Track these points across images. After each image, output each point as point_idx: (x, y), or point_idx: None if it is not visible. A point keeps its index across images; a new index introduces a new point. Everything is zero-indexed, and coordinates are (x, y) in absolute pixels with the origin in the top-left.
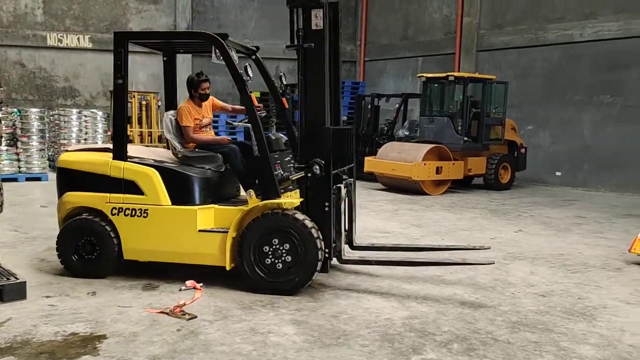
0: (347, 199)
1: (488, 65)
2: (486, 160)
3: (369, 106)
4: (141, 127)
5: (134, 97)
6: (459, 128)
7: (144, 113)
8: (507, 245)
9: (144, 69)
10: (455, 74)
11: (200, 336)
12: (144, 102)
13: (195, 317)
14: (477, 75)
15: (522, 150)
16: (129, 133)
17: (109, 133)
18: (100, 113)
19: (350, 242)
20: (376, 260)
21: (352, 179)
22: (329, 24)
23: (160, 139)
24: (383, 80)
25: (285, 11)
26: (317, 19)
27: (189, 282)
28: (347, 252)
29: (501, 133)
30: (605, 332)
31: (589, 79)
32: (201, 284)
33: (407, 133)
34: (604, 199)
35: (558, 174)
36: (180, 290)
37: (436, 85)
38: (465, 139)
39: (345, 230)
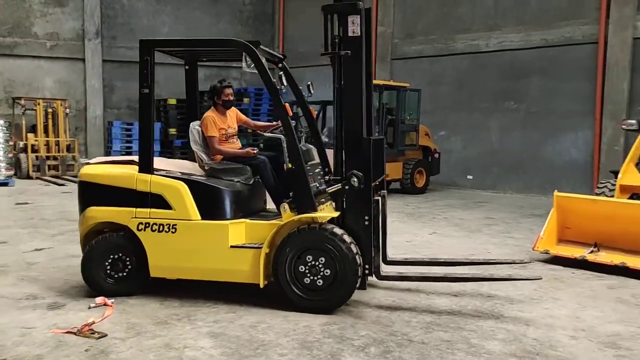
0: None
1: (402, 73)
2: (402, 166)
3: None
4: (47, 136)
5: (39, 104)
6: (376, 134)
7: (50, 121)
8: (423, 247)
9: (50, 75)
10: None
11: (111, 355)
12: (50, 110)
13: (106, 335)
14: (391, 83)
15: (436, 155)
16: (33, 142)
17: (12, 143)
18: (1, 122)
19: (384, 257)
20: (417, 276)
21: (384, 191)
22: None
23: (69, 148)
24: (303, 88)
25: (201, 17)
26: (354, 25)
27: (99, 299)
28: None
29: (416, 139)
30: (512, 327)
31: (495, 87)
32: (112, 300)
33: (327, 140)
34: (511, 200)
35: (469, 177)
36: (90, 307)
37: None
38: None
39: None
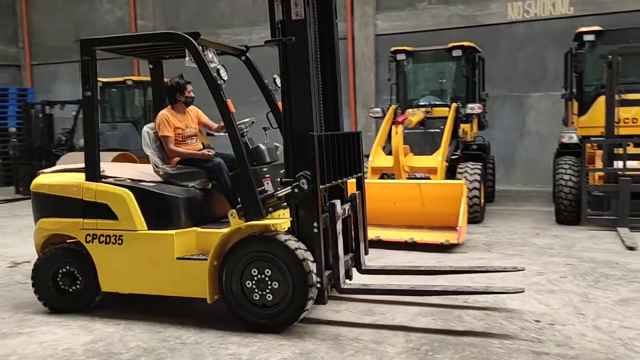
0: (351, 215)
1: (169, 68)
2: None
3: (40, 115)
4: None
5: None
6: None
7: None
8: None
9: None
10: (134, 78)
11: None
12: None
13: None
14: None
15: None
16: None
17: None
18: None
19: (358, 265)
20: (380, 289)
21: (357, 192)
22: (317, 13)
23: None
24: (57, 86)
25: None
26: (298, 7)
27: None
28: (356, 277)
29: None
30: None
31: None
32: None
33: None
34: None
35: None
36: None
37: (114, 90)
38: None
39: (351, 252)
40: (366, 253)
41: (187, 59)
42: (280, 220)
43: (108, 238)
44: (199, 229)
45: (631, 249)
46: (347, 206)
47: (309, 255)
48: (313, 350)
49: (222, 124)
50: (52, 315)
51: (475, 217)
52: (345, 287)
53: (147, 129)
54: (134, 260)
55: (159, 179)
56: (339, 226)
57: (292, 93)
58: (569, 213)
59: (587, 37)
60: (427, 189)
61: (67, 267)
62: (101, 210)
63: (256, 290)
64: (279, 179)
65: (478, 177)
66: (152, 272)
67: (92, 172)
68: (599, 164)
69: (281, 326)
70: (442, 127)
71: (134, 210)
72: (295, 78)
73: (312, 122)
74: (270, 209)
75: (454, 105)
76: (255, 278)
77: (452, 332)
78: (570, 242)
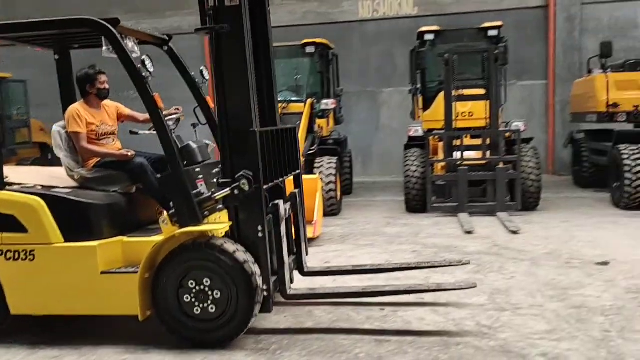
0: (291, 215)
1: (10, 62)
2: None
3: None
4: None
5: None
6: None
7: None
8: None
9: None
10: None
11: None
12: None
13: None
14: None
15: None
16: None
17: None
18: None
19: (300, 267)
20: (328, 293)
21: (296, 190)
22: (251, 1)
23: None
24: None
25: None
26: None
27: None
28: (297, 280)
29: (28, 135)
30: None
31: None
32: None
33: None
34: None
35: None
36: None
37: None
38: None
39: (293, 254)
40: (306, 254)
41: (104, 48)
42: (218, 225)
43: (17, 254)
44: (125, 239)
45: (469, 232)
46: (287, 206)
47: (249, 257)
48: None
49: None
50: None
51: (333, 210)
52: (292, 292)
53: (57, 127)
54: (50, 278)
55: (74, 184)
56: (283, 228)
57: (228, 86)
58: (417, 202)
59: (427, 37)
60: None
61: None
62: (6, 223)
63: (196, 303)
64: (214, 180)
65: (334, 172)
66: (72, 290)
67: None
68: (441, 155)
69: (224, 340)
70: (298, 122)
71: (47, 220)
72: (231, 70)
73: (251, 118)
74: (206, 212)
75: (309, 101)
76: (194, 290)
77: (302, 329)
78: (417, 229)
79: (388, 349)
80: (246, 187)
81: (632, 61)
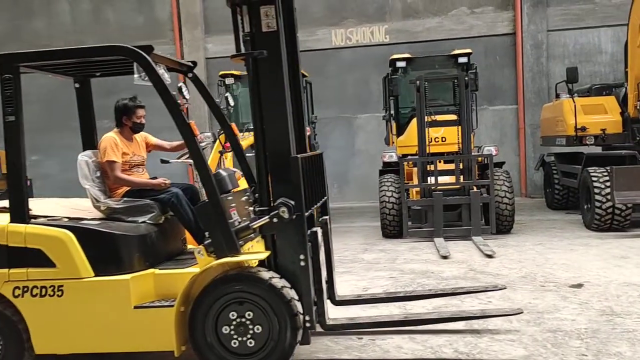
0: (323, 243)
1: None
2: None
3: None
4: None
5: None
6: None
7: None
8: None
9: None
10: None
11: None
12: None
13: None
14: None
15: (27, 182)
16: None
17: None
18: None
19: (331, 296)
20: (370, 322)
21: (326, 217)
22: (284, 25)
23: None
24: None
25: None
26: (269, 18)
27: None
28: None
29: None
30: None
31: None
32: None
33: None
34: None
35: None
36: None
37: None
38: None
39: (325, 283)
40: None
41: (136, 76)
42: (257, 254)
43: (44, 290)
44: (156, 271)
45: (445, 257)
46: (320, 232)
47: (294, 294)
48: None
49: (175, 143)
50: None
51: None
52: (331, 323)
53: (84, 157)
54: (80, 314)
55: (100, 215)
56: (322, 256)
57: (266, 112)
58: (393, 227)
59: (399, 64)
60: None
61: None
62: (33, 257)
63: (235, 336)
64: (248, 208)
65: None
66: (104, 326)
67: (19, 212)
68: (415, 180)
69: None
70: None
71: (76, 254)
72: (269, 95)
73: (289, 144)
74: (241, 242)
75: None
76: (234, 323)
77: None
78: (394, 255)
79: None
80: (285, 215)
81: (597, 86)
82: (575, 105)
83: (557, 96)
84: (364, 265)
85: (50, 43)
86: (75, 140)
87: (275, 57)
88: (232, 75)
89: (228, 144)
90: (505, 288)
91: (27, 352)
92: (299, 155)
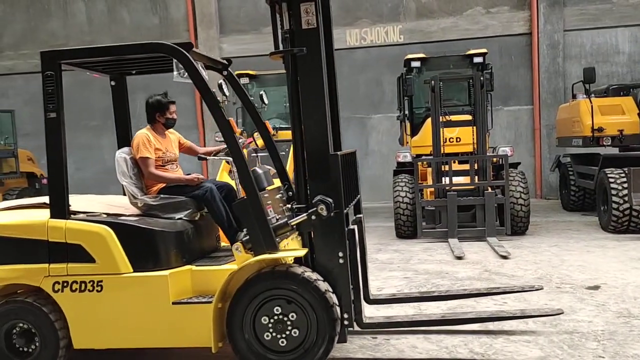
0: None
1: None
2: (3, 197)
3: None
4: None
5: None
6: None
7: None
8: None
9: None
10: None
11: None
12: None
13: None
14: None
15: (44, 181)
16: None
17: None
18: None
19: (366, 295)
20: (409, 321)
21: (360, 215)
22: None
23: None
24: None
25: None
26: (309, 15)
27: None
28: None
29: (16, 165)
30: None
31: (101, 105)
32: None
33: None
34: None
35: None
36: None
37: None
38: None
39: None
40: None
41: (175, 73)
42: (295, 252)
43: (83, 285)
44: (193, 267)
45: (459, 258)
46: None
47: (335, 299)
48: None
49: (209, 148)
50: None
51: None
52: (368, 321)
53: (122, 154)
54: (119, 309)
55: (136, 211)
56: (358, 254)
57: (305, 109)
58: (407, 228)
59: (413, 64)
60: None
61: (22, 325)
62: (73, 253)
63: (273, 333)
64: (283, 205)
65: None
66: (142, 322)
67: (60, 208)
68: (430, 180)
69: None
70: (287, 149)
71: (115, 250)
72: (308, 93)
73: (327, 141)
74: (278, 239)
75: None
76: (272, 320)
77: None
78: (408, 255)
79: None
80: (324, 213)
81: (614, 86)
82: (592, 106)
83: (574, 97)
84: (377, 265)
85: (66, 43)
86: (89, 140)
87: (315, 54)
88: (247, 75)
89: (250, 139)
90: (542, 288)
91: (61, 350)
92: (338, 153)
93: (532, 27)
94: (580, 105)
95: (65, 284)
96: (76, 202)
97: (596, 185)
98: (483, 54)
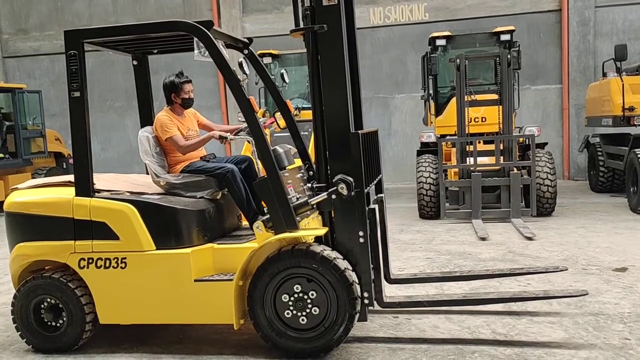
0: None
1: (19, 73)
2: (32, 176)
3: None
4: None
5: None
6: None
7: None
8: None
9: None
10: None
11: None
12: None
13: None
14: (2, 84)
15: (71, 161)
16: None
17: None
18: None
19: (387, 275)
20: (430, 301)
21: (381, 195)
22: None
23: None
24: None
25: None
26: None
27: None
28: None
29: (44, 145)
30: None
31: (125, 85)
32: None
33: None
34: None
35: None
36: None
37: None
38: (1, 155)
39: (382, 260)
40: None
41: (196, 52)
42: (315, 230)
43: (108, 262)
44: (215, 245)
45: (483, 239)
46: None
47: (355, 277)
48: None
49: (227, 126)
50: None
51: None
52: (388, 300)
53: (145, 133)
54: (142, 286)
55: (159, 190)
56: (379, 233)
57: (326, 88)
58: (430, 208)
59: (439, 42)
60: None
61: (50, 300)
62: (98, 230)
63: (294, 311)
64: (303, 185)
65: None
66: (165, 298)
67: (85, 186)
68: (454, 161)
69: (323, 351)
70: (310, 129)
71: (139, 227)
72: (329, 71)
73: (348, 120)
74: (298, 218)
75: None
76: (292, 298)
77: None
78: (431, 236)
79: (402, 357)
80: (345, 192)
81: None
82: (623, 84)
83: (604, 75)
84: (399, 245)
85: (90, 23)
86: (114, 120)
87: (335, 32)
88: (269, 55)
89: (272, 119)
90: (566, 269)
91: (87, 324)
92: (359, 131)
93: (562, 3)
94: (610, 84)
95: (90, 261)
96: (100, 180)
97: (626, 165)
98: (510, 32)
